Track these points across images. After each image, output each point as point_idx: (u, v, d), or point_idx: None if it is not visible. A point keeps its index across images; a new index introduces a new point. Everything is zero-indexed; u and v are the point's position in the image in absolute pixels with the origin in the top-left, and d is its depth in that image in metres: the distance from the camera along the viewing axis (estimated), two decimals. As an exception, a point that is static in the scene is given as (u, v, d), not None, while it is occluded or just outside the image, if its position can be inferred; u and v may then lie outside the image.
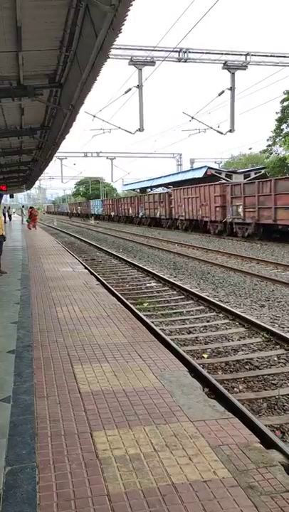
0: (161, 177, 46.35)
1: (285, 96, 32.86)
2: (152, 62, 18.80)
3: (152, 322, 7.66)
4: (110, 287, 10.66)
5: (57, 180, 75.00)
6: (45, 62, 8.96)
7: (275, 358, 6.16)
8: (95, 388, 4.03)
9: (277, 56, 20.31)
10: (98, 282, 10.42)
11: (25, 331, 5.90)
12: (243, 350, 6.58)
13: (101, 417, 3.47)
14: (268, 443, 3.68)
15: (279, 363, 6.02)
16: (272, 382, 5.42)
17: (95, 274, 12.51)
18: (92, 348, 5.17)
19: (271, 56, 20.20)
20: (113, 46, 7.64)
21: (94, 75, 8.23)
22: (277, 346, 6.61)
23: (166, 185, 45.73)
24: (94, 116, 23.62)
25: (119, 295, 9.72)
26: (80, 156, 52.16)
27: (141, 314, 8.01)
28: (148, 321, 7.60)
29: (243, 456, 2.92)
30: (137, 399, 3.80)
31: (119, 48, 18.44)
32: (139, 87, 18.93)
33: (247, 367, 5.93)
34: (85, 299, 7.97)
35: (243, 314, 8.10)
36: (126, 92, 19.32)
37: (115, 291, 10.13)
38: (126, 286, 11.88)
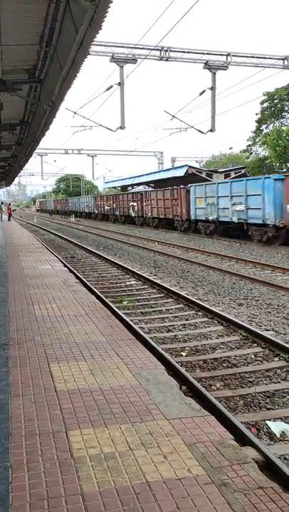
0: (142, 175, 46.36)
1: (265, 97, 33.22)
2: (134, 60, 18.75)
3: (131, 320, 7.65)
4: (90, 285, 10.61)
5: (37, 177, 74.53)
6: (24, 57, 8.86)
7: (252, 356, 6.22)
8: (71, 387, 4.00)
9: (257, 57, 20.51)
10: (77, 280, 10.36)
11: (1, 329, 5.82)
12: (221, 348, 6.64)
13: (77, 416, 3.45)
14: (244, 440, 3.72)
15: (256, 360, 6.09)
16: (249, 379, 5.47)
17: (75, 271, 12.43)
18: (70, 347, 5.14)
19: (252, 57, 20.38)
20: (94, 43, 7.60)
21: (74, 71, 8.17)
22: (255, 344, 6.68)
23: (147, 183, 45.78)
24: (75, 112, 23.45)
25: (99, 293, 9.68)
26: (60, 152, 51.78)
27: (120, 312, 8.00)
28: (127, 319, 7.59)
29: (217, 453, 2.94)
30: (113, 397, 3.79)
31: (101, 45, 18.34)
32: (121, 84, 18.86)
33: (225, 365, 5.98)
34: (63, 296, 7.91)
35: (221, 313, 8.16)
36: (107, 90, 19.24)
37: (95, 289, 10.09)
38: (106, 284, 11.84)
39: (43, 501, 2.46)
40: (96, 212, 49.18)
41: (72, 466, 2.79)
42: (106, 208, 45.13)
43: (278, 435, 4.17)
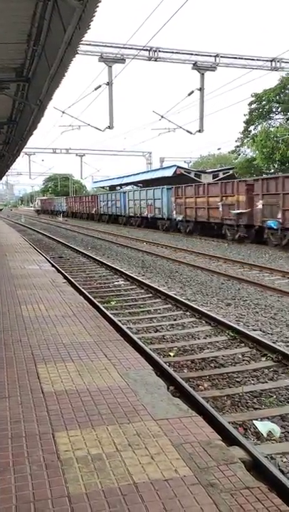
0: (131, 175, 46.31)
1: (253, 98, 33.41)
2: (122, 60, 18.71)
3: (119, 321, 7.64)
4: (77, 285, 10.57)
5: (25, 176, 73.74)
6: (11, 56, 8.77)
7: (240, 356, 6.26)
8: (58, 388, 3.98)
9: (245, 58, 20.62)
10: (65, 280, 10.31)
11: (-12, 330, 5.76)
12: (208, 348, 6.66)
13: (64, 417, 3.43)
14: (231, 440, 3.73)
15: (243, 360, 6.12)
16: (237, 379, 5.50)
17: (63, 272, 12.38)
18: (57, 347, 5.11)
19: (240, 58, 20.49)
20: (83, 42, 7.55)
21: (62, 71, 8.12)
22: (242, 344, 6.72)
23: (136, 183, 45.74)
24: (63, 112, 23.28)
25: (87, 293, 9.65)
26: (48, 152, 51.48)
27: (108, 313, 7.98)
28: (115, 319, 7.57)
29: (204, 453, 2.94)
30: (100, 398, 3.77)
31: (89, 44, 18.28)
32: (109, 84, 18.81)
33: (212, 365, 6.00)
34: (51, 297, 7.86)
35: (209, 313, 8.19)
36: (96, 89, 19.17)
37: (82, 290, 10.05)
38: (93, 284, 11.81)
39: (29, 504, 2.44)
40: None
41: (58, 468, 2.77)
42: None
43: (265, 434, 4.20)
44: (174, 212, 27.20)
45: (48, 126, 53.70)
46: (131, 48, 18.97)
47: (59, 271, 12.13)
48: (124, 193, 36.93)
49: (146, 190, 32.58)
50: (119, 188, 49.84)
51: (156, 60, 19.83)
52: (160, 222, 29.71)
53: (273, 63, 21.26)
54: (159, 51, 19.57)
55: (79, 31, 6.36)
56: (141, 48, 18.80)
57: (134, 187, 45.05)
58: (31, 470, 2.76)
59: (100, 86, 19.06)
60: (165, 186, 28.87)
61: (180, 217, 26.45)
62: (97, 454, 2.92)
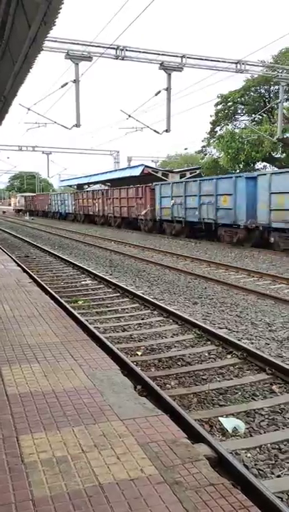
0: (98, 174, 46.06)
1: (219, 100, 33.90)
2: (89, 58, 18.56)
3: (86, 320, 7.58)
4: (44, 285, 10.41)
5: (-11, 174, 71.99)
6: (-26, 51, 8.56)
7: (206, 354, 6.33)
8: (23, 390, 3.91)
9: (211, 60, 20.84)
10: (31, 280, 10.16)
11: None
12: (176, 346, 6.70)
13: (28, 420, 3.38)
14: (197, 437, 3.77)
15: (209, 358, 6.20)
16: (203, 377, 5.56)
17: (29, 271, 12.17)
18: (22, 349, 5.03)
19: (206, 60, 20.68)
20: (48, 38, 7.49)
21: (27, 67, 8.01)
22: (208, 342, 6.80)
23: (103, 182, 45.54)
24: (28, 109, 22.89)
25: (53, 293, 9.53)
26: (14, 149, 50.39)
27: (75, 312, 7.91)
28: (82, 319, 7.51)
29: (170, 452, 2.96)
30: (66, 399, 3.74)
31: (55, 41, 18.02)
32: (76, 82, 18.63)
33: (179, 363, 6.04)
34: (16, 297, 7.73)
35: (176, 312, 8.25)
36: (62, 87, 18.94)
37: (49, 289, 9.92)
38: (60, 283, 11.68)
39: (-9, 510, 2.39)
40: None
41: (22, 472, 2.73)
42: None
43: (230, 431, 4.26)
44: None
45: (13, 123, 52.66)
46: (98, 46, 18.84)
47: (25, 270, 11.93)
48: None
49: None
50: (86, 186, 49.49)
51: (123, 59, 19.76)
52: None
53: (238, 65, 21.58)
54: (126, 50, 19.52)
55: (44, 27, 6.29)
56: (108, 46, 18.70)
57: (102, 186, 44.87)
58: (-6, 475, 2.70)
59: (66, 83, 18.85)
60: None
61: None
62: (63, 456, 2.89)
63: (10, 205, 78.66)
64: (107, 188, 37.85)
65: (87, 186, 49.35)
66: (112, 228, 32.12)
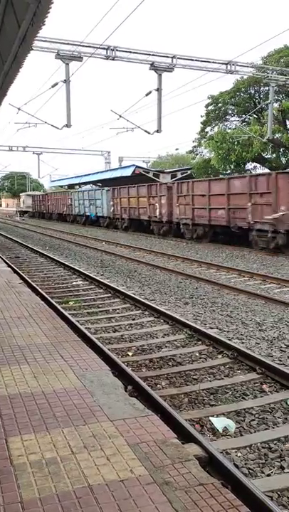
0: (89, 174, 45.94)
1: (209, 100, 33.97)
2: (80, 58, 18.49)
3: (77, 321, 7.56)
4: (35, 286, 10.37)
5: (-21, 175, 71.43)
6: None
7: (197, 354, 6.34)
8: (12, 391, 3.89)
9: (201, 61, 20.86)
10: (22, 281, 10.11)
11: None
12: (167, 347, 6.71)
13: (18, 422, 3.35)
14: (188, 437, 3.77)
15: (200, 358, 6.21)
16: (194, 377, 5.56)
17: (19, 272, 12.11)
18: (12, 350, 4.99)
19: (196, 60, 20.69)
20: (38, 38, 7.46)
21: (17, 67, 7.97)
22: (199, 342, 6.81)
23: (94, 182, 45.44)
24: (19, 109, 22.75)
25: (44, 294, 9.49)
26: (4, 149, 50.02)
27: (65, 313, 7.88)
28: (73, 319, 7.49)
29: (160, 452, 2.96)
30: (56, 401, 3.72)
31: (46, 41, 17.93)
32: (67, 81, 18.56)
33: (170, 363, 6.04)
34: (6, 298, 7.68)
35: (167, 312, 8.25)
36: (52, 86, 18.86)
37: (40, 290, 9.88)
38: (51, 284, 11.63)
39: (-21, 513, 2.37)
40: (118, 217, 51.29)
41: (11, 474, 2.71)
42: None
43: (221, 430, 4.27)
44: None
45: (3, 123, 52.32)
46: (88, 46, 18.77)
47: (15, 271, 11.87)
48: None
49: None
50: (78, 187, 49.34)
51: (113, 59, 19.72)
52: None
53: (229, 66, 21.64)
54: (117, 50, 19.48)
55: (33, 27, 6.26)
56: (98, 46, 18.65)
57: (93, 186, 44.78)
58: (-17, 477, 2.68)
59: (56, 83, 18.77)
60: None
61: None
62: (52, 458, 2.88)
63: (1, 205, 74.26)
64: (179, 181, 25.71)
65: (78, 187, 49.20)
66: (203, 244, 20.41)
